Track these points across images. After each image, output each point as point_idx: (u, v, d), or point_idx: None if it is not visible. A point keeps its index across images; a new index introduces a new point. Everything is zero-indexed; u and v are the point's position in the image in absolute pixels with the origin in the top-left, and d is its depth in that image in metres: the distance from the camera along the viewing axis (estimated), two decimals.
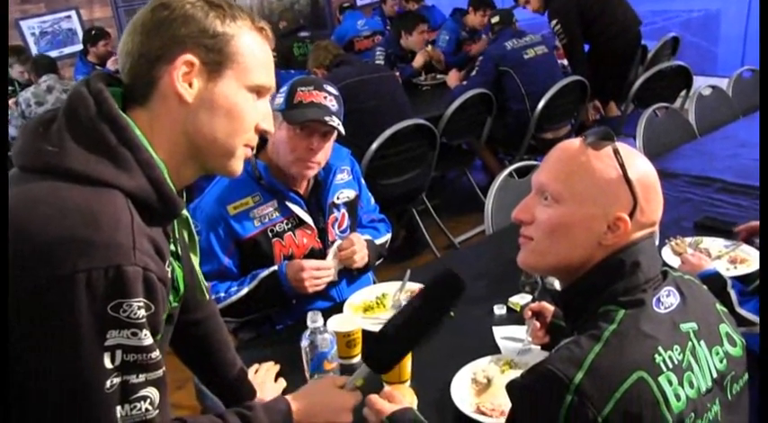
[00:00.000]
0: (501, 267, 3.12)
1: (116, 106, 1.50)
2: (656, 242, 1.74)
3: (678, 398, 1.47)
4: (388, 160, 5.20)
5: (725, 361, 1.62)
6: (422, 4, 9.44)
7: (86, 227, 1.36)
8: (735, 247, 3.07)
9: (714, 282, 2.32)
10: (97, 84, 1.53)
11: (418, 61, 7.60)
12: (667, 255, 3.01)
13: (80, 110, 1.48)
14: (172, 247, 1.69)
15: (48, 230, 1.34)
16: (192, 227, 1.84)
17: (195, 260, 1.88)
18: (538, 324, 2.33)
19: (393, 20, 9.15)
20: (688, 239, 3.15)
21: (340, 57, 5.67)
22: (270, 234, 2.90)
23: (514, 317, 2.72)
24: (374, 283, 3.29)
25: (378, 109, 5.24)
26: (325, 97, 2.83)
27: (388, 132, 5.04)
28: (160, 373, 1.47)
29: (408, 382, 2.34)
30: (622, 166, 1.57)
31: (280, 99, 2.85)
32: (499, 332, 2.63)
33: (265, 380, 2.41)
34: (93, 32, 8.56)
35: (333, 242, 3.03)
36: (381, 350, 1.91)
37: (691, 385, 1.51)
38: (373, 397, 1.98)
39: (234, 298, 2.82)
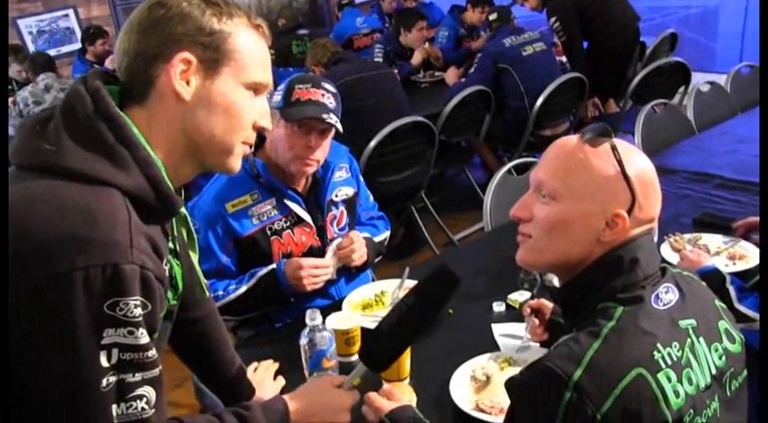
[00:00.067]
0: (500, 264, 3.11)
1: (113, 104, 1.50)
2: (655, 238, 1.74)
3: (677, 394, 1.47)
4: (387, 158, 5.20)
5: (724, 357, 1.62)
6: (420, 1, 9.43)
7: (85, 225, 1.36)
8: (734, 243, 3.07)
9: (713, 278, 2.32)
10: (94, 81, 1.53)
11: (417, 58, 7.59)
12: (666, 251, 3.01)
13: (77, 108, 1.48)
14: (170, 245, 1.69)
15: (47, 229, 1.34)
16: (191, 225, 1.84)
17: (194, 258, 1.88)
18: (537, 321, 2.33)
19: (392, 17, 9.15)
20: (687, 236, 3.15)
21: (338, 54, 5.67)
22: (268, 232, 2.90)
23: (513, 314, 2.72)
24: (373, 280, 3.28)
25: (376, 106, 5.24)
26: (323, 95, 2.83)
27: (386, 130, 5.04)
28: (156, 372, 1.46)
29: (407, 380, 2.34)
30: (620, 162, 1.56)
31: (278, 97, 2.85)
32: (498, 329, 2.63)
33: (264, 378, 2.41)
34: (92, 31, 8.57)
35: (331, 240, 3.03)
36: (377, 348, 1.90)
37: (690, 382, 1.51)
38: (372, 395, 1.98)
39: (232, 296, 2.82)
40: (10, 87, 7.57)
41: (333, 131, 2.87)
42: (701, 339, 1.59)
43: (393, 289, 2.96)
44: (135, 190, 1.47)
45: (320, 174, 3.02)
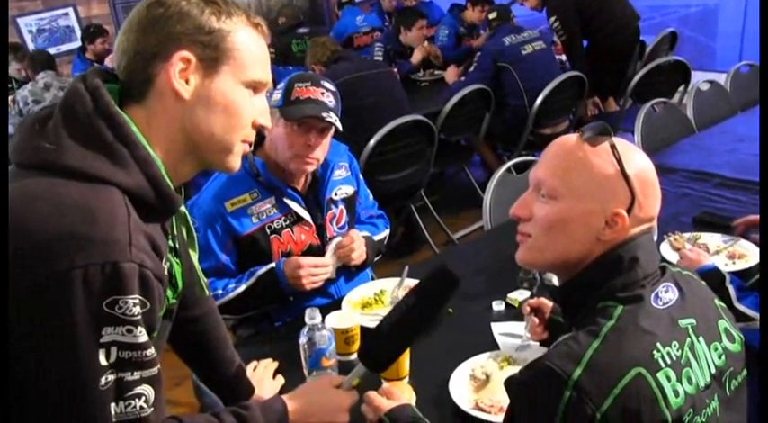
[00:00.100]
0: (499, 263, 3.12)
1: (113, 103, 1.50)
2: (655, 237, 1.74)
3: (677, 394, 1.47)
4: (387, 156, 5.20)
5: (723, 357, 1.62)
6: None
7: (84, 223, 1.36)
8: (733, 242, 3.07)
9: (713, 277, 2.32)
10: (94, 80, 1.53)
11: (416, 57, 7.59)
12: (666, 250, 3.01)
13: (77, 106, 1.48)
14: (170, 244, 1.69)
15: (46, 227, 1.34)
16: (191, 223, 1.84)
17: (194, 256, 1.88)
18: (536, 320, 2.33)
19: (392, 15, 9.15)
20: (686, 235, 3.15)
21: (338, 53, 5.68)
22: (268, 231, 2.90)
23: (513, 313, 2.72)
24: (372, 279, 3.28)
25: (376, 105, 5.24)
26: (323, 93, 2.83)
27: (386, 128, 5.04)
28: (155, 370, 1.47)
29: (407, 379, 2.34)
30: (620, 161, 1.56)
31: (277, 95, 2.85)
32: (498, 328, 2.63)
33: (263, 377, 2.41)
34: (92, 30, 8.56)
35: (331, 239, 3.03)
36: (377, 349, 1.90)
37: (689, 381, 1.50)
38: (371, 393, 1.98)
39: (231, 295, 2.82)
40: (10, 86, 7.57)
41: (332, 130, 2.87)
42: (701, 339, 1.59)
43: (392, 288, 2.96)
44: (134, 188, 1.47)
45: (320, 172, 3.02)
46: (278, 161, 2.90)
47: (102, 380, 1.37)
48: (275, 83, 3.10)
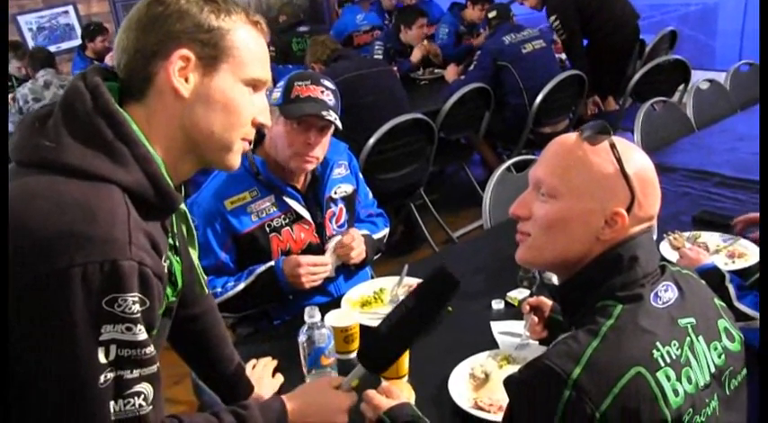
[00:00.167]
0: (499, 262, 3.12)
1: (113, 101, 1.50)
2: (654, 236, 1.74)
3: (676, 393, 1.47)
4: (386, 155, 5.20)
5: (723, 356, 1.62)
6: None
7: (84, 221, 1.36)
8: (733, 241, 3.07)
9: (712, 276, 2.32)
10: (94, 78, 1.53)
11: (416, 55, 7.59)
12: (665, 249, 3.01)
13: (77, 104, 1.48)
14: (170, 242, 1.69)
15: (46, 225, 1.35)
16: (191, 221, 1.84)
17: (194, 254, 1.88)
18: (536, 319, 2.32)
19: (392, 14, 9.15)
20: (686, 234, 3.15)
21: (338, 51, 5.67)
22: (267, 229, 2.90)
23: (512, 312, 2.73)
24: (372, 277, 3.29)
25: (376, 104, 5.24)
26: (323, 92, 2.83)
27: (386, 127, 5.04)
28: (154, 368, 1.47)
29: (406, 378, 2.34)
30: (619, 160, 1.56)
31: (277, 94, 2.85)
32: (497, 327, 2.63)
33: (263, 375, 2.41)
34: (92, 28, 8.56)
35: (330, 237, 3.03)
36: (376, 350, 1.90)
37: (689, 380, 1.50)
38: (371, 392, 1.97)
39: (231, 293, 2.82)
40: (10, 84, 7.57)
41: (332, 128, 2.87)
42: (701, 338, 1.59)
43: (392, 286, 2.96)
44: (134, 186, 1.47)
45: (319, 171, 3.02)
46: (278, 159, 2.90)
47: (102, 378, 1.37)
48: (275, 81, 3.09)
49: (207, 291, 2.06)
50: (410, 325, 1.85)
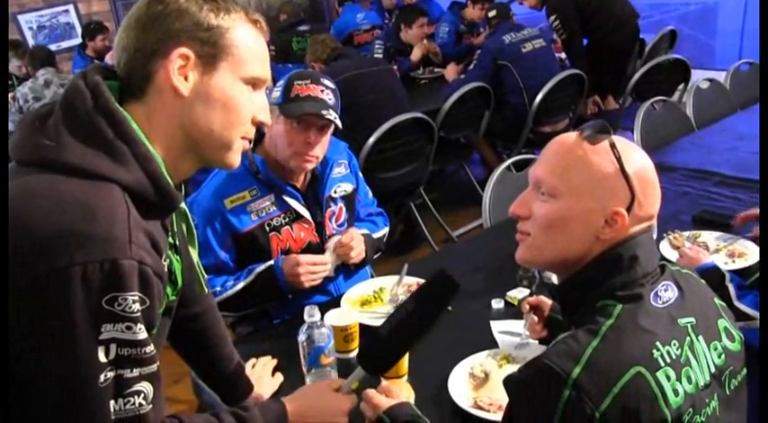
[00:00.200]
0: (499, 261, 3.12)
1: (113, 100, 1.50)
2: (654, 236, 1.74)
3: (676, 393, 1.46)
4: (386, 154, 5.20)
5: (723, 356, 1.62)
6: None
7: (84, 220, 1.36)
8: (733, 240, 3.06)
9: (712, 275, 2.32)
10: (94, 77, 1.53)
11: (416, 55, 7.59)
12: (665, 248, 3.01)
13: (77, 103, 1.48)
14: (170, 241, 1.69)
15: (46, 224, 1.34)
16: (191, 220, 1.84)
17: (194, 253, 1.88)
18: (536, 318, 2.32)
19: (393, 13, 9.16)
20: (686, 233, 3.15)
21: (338, 50, 5.67)
22: (267, 228, 2.90)
23: (512, 311, 2.73)
24: (372, 276, 3.29)
25: (375, 103, 5.24)
26: (323, 91, 2.83)
27: (385, 126, 5.04)
28: (154, 367, 1.47)
29: (406, 377, 2.34)
30: (619, 159, 1.56)
31: (277, 93, 2.85)
32: (497, 326, 2.63)
33: (263, 374, 2.41)
34: (92, 27, 8.57)
35: (330, 236, 3.03)
36: (376, 353, 1.91)
37: (689, 380, 1.50)
38: (370, 391, 1.97)
39: (230, 292, 2.82)
40: (10, 83, 7.56)
41: (332, 128, 2.87)
42: (701, 338, 1.58)
43: (392, 285, 2.97)
44: (134, 185, 1.47)
45: (319, 170, 3.02)
46: (277, 159, 2.90)
47: (102, 377, 1.37)
48: (275, 80, 3.10)
49: (207, 290, 2.06)
50: (410, 328, 1.86)
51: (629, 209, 1.56)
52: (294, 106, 2.78)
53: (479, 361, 2.37)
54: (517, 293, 2.79)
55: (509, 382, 1.55)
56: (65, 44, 9.76)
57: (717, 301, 1.73)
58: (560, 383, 1.41)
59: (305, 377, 2.33)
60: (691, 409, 1.48)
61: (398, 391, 2.02)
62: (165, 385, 1.53)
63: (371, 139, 5.00)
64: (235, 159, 1.66)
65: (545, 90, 6.09)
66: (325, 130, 2.86)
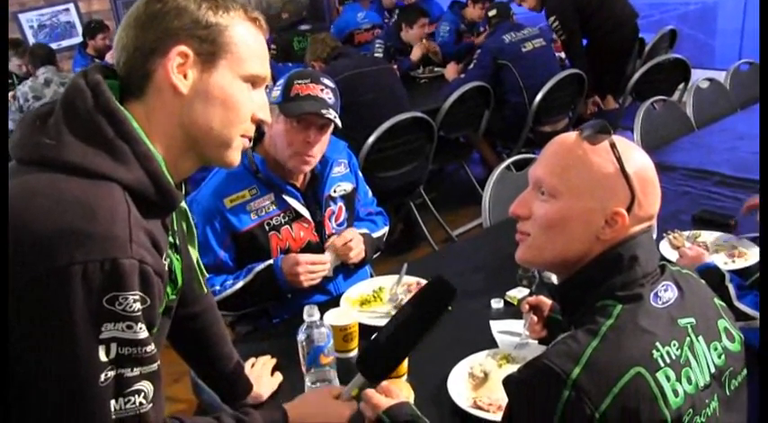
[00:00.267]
0: (498, 261, 3.12)
1: (113, 99, 1.50)
2: (654, 236, 1.74)
3: (676, 393, 1.46)
4: (386, 153, 5.20)
5: (723, 356, 1.62)
6: None
7: (84, 219, 1.36)
8: (733, 240, 3.06)
9: (712, 275, 2.32)
10: (95, 76, 1.53)
11: (416, 54, 7.59)
12: (665, 248, 3.01)
13: (77, 102, 1.48)
14: (170, 240, 1.69)
15: (46, 223, 1.34)
16: (191, 219, 1.84)
17: (194, 252, 1.88)
18: (535, 318, 2.32)
19: (393, 12, 9.16)
20: (686, 233, 3.15)
21: (338, 49, 5.66)
22: (267, 227, 2.90)
23: (512, 311, 2.73)
24: (371, 276, 3.29)
25: (375, 102, 5.24)
26: (322, 90, 2.83)
27: (385, 125, 5.04)
28: (155, 366, 1.47)
29: (405, 377, 2.34)
30: (619, 159, 1.56)
31: (276, 92, 2.85)
32: (496, 326, 2.63)
33: (262, 374, 2.41)
34: (93, 25, 8.57)
35: (330, 236, 3.03)
36: (375, 360, 1.91)
37: (689, 381, 1.50)
38: (370, 391, 1.97)
39: (229, 291, 2.82)
40: (10, 81, 7.56)
41: (332, 127, 2.87)
42: (701, 338, 1.58)
43: (391, 285, 2.97)
44: (135, 184, 1.47)
45: (319, 169, 3.02)
46: (277, 158, 2.90)
47: (102, 376, 1.37)
48: (274, 80, 3.10)
49: (206, 289, 2.06)
50: (408, 334, 1.87)
51: (629, 209, 1.56)
52: (294, 105, 2.78)
53: (479, 361, 2.37)
54: (517, 293, 2.79)
55: (509, 383, 1.55)
56: (65, 43, 9.77)
57: (717, 301, 1.73)
58: (560, 384, 1.41)
59: (304, 377, 2.33)
60: (691, 410, 1.48)
61: (398, 390, 2.01)
62: (165, 384, 1.53)
63: (371, 139, 5.00)
64: (234, 158, 1.66)
65: (545, 89, 6.09)
66: (325, 130, 2.86)
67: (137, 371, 1.42)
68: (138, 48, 1.54)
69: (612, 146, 1.57)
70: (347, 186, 3.16)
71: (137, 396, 1.43)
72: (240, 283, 2.83)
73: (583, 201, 1.57)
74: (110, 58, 7.78)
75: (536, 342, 2.38)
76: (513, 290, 2.82)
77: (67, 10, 9.90)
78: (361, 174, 3.31)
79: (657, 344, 1.48)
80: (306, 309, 2.33)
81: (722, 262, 2.86)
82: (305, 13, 10.83)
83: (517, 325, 2.57)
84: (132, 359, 1.41)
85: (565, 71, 6.30)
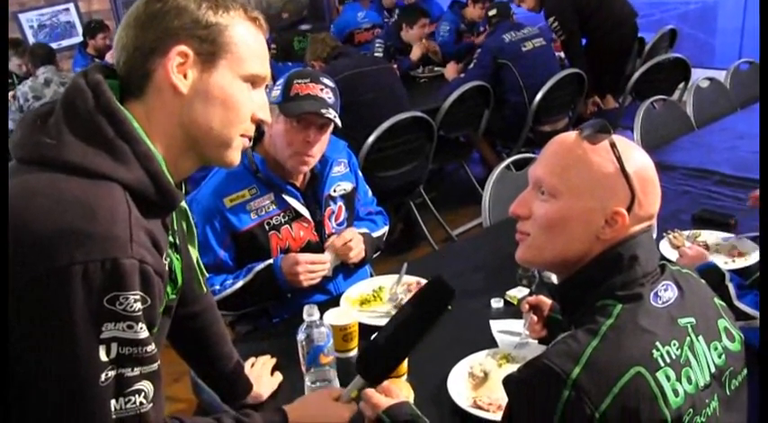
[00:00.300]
0: (498, 260, 3.12)
1: (114, 99, 1.50)
2: (654, 235, 1.74)
3: (676, 393, 1.46)
4: (386, 153, 5.19)
5: (723, 356, 1.62)
6: None
7: (84, 219, 1.36)
8: (733, 240, 3.06)
9: (712, 275, 2.31)
10: (95, 76, 1.53)
11: (415, 53, 7.59)
12: (665, 248, 3.01)
13: (78, 102, 1.48)
14: (170, 239, 1.69)
15: (46, 223, 1.34)
16: (191, 219, 1.83)
17: (194, 252, 1.88)
18: (535, 318, 2.32)
19: (393, 11, 9.17)
20: (686, 232, 3.15)
21: (338, 49, 5.66)
22: (266, 227, 2.90)
23: (512, 310, 2.72)
24: (371, 275, 3.29)
25: (375, 101, 5.24)
26: (322, 89, 2.83)
27: (385, 125, 5.03)
28: (155, 366, 1.47)
29: (405, 376, 2.34)
30: (619, 159, 1.56)
31: (276, 92, 2.85)
32: (496, 326, 2.63)
33: (262, 373, 2.41)
34: (93, 25, 8.58)
35: (330, 235, 3.03)
36: (374, 362, 1.92)
37: (689, 381, 1.50)
38: (370, 391, 1.97)
39: (229, 291, 2.82)
40: (10, 81, 7.56)
41: (331, 126, 2.87)
42: (701, 338, 1.58)
43: (391, 284, 2.97)
44: (135, 184, 1.47)
45: (318, 169, 3.02)
46: (277, 158, 2.89)
47: (103, 376, 1.37)
48: (274, 79, 3.10)
49: (206, 288, 2.06)
50: (407, 335, 1.88)
51: (629, 208, 1.56)
52: (294, 105, 2.78)
53: (479, 360, 2.37)
54: (517, 293, 2.79)
55: (508, 382, 1.55)
56: (65, 43, 9.77)
57: (717, 300, 1.73)
58: (560, 383, 1.41)
59: (304, 376, 2.32)
60: (691, 410, 1.48)
61: (398, 390, 2.01)
62: (165, 384, 1.53)
63: (371, 138, 5.00)
64: (234, 157, 1.66)
65: (545, 89, 6.09)
66: (325, 129, 2.86)
67: (137, 371, 1.42)
68: (137, 47, 1.54)
69: (612, 145, 1.57)
70: (347, 186, 3.16)
71: (137, 396, 1.43)
72: (240, 283, 2.83)
73: (583, 200, 1.57)
74: (110, 57, 7.78)
75: (536, 342, 2.38)
76: (513, 289, 2.81)
77: (67, 10, 9.90)
78: (360, 173, 3.31)
79: (657, 343, 1.48)
80: (306, 308, 2.33)
81: (722, 261, 2.86)
82: (305, 13, 10.83)
83: (517, 324, 2.57)
84: (133, 359, 1.41)
85: (565, 70, 6.31)
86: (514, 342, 2.50)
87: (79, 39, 9.10)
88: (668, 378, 1.46)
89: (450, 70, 7.17)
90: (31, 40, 9.41)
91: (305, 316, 2.32)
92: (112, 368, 1.38)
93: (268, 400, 2.33)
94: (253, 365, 2.44)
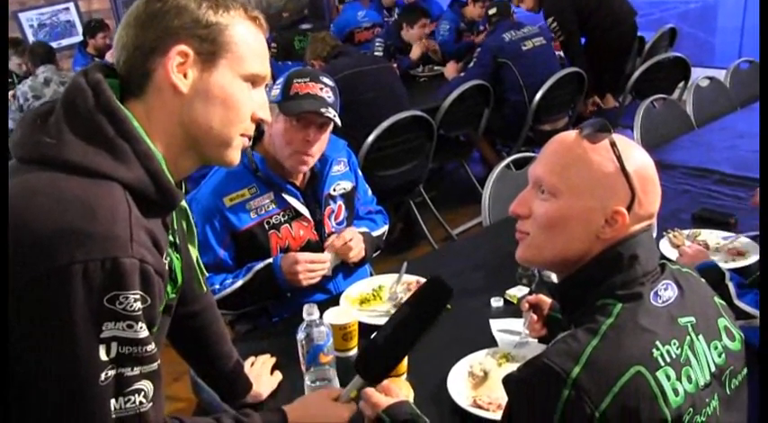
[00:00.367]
0: (498, 259, 3.12)
1: (114, 98, 1.50)
2: (654, 234, 1.73)
3: (676, 392, 1.46)
4: (386, 152, 5.19)
5: (723, 355, 1.62)
6: None
7: (84, 219, 1.36)
8: (733, 239, 3.06)
9: (712, 274, 2.32)
10: (95, 75, 1.53)
11: (415, 53, 7.59)
12: (665, 247, 3.01)
13: (78, 101, 1.48)
14: (170, 238, 1.69)
15: (47, 223, 1.34)
16: (191, 218, 1.83)
17: (194, 251, 1.88)
18: (535, 317, 2.32)
19: (393, 11, 9.16)
20: (686, 232, 3.15)
21: (338, 48, 5.65)
22: (266, 226, 2.90)
23: (511, 309, 2.72)
24: (371, 275, 3.29)
25: (375, 101, 5.23)
26: (322, 89, 2.83)
27: (385, 124, 5.03)
28: (155, 366, 1.47)
29: (405, 376, 2.34)
30: (619, 158, 1.56)
31: (276, 91, 2.85)
32: (496, 325, 2.63)
33: (261, 372, 2.41)
34: (93, 24, 8.57)
35: (329, 234, 3.03)
36: (374, 362, 1.92)
37: (689, 380, 1.50)
38: (369, 390, 1.97)
39: (228, 290, 2.82)
40: (10, 80, 7.56)
41: (331, 126, 2.87)
42: (701, 337, 1.58)
43: (391, 284, 2.96)
44: (135, 183, 1.47)
45: (318, 168, 3.02)
46: (277, 157, 2.89)
47: (103, 375, 1.37)
48: (274, 79, 3.10)
49: (206, 288, 2.06)
50: (406, 334, 1.88)
51: (629, 208, 1.55)
52: (293, 104, 2.78)
53: (479, 359, 2.37)
54: (516, 292, 2.79)
55: (508, 381, 1.55)
56: (65, 42, 9.77)
57: (717, 299, 1.73)
58: (560, 383, 1.41)
59: (303, 375, 2.32)
60: (691, 409, 1.48)
61: (398, 389, 2.01)
62: (165, 383, 1.54)
63: (371, 137, 4.99)
64: (234, 157, 1.66)
65: (545, 88, 6.09)
66: (325, 128, 2.86)
67: (137, 370, 1.42)
68: (138, 47, 1.54)
69: (612, 144, 1.57)
70: (347, 185, 3.16)
71: (137, 395, 1.43)
72: (240, 282, 2.82)
73: (583, 200, 1.57)
74: (110, 56, 7.78)
75: (536, 341, 2.38)
76: (512, 288, 2.81)
77: (67, 9, 9.90)
78: (360, 172, 3.31)
79: (657, 343, 1.48)
80: (305, 307, 2.33)
81: (722, 260, 2.86)
82: (305, 12, 10.82)
83: (517, 324, 2.57)
84: (132, 358, 1.41)
85: (564, 70, 6.30)
86: (514, 341, 2.50)
87: (79, 38, 9.09)
88: (668, 377, 1.46)
89: (450, 69, 7.17)
90: (31, 39, 9.40)
91: (305, 315, 2.32)
92: (112, 367, 1.38)
93: (268, 400, 2.33)
94: (252, 364, 2.44)
